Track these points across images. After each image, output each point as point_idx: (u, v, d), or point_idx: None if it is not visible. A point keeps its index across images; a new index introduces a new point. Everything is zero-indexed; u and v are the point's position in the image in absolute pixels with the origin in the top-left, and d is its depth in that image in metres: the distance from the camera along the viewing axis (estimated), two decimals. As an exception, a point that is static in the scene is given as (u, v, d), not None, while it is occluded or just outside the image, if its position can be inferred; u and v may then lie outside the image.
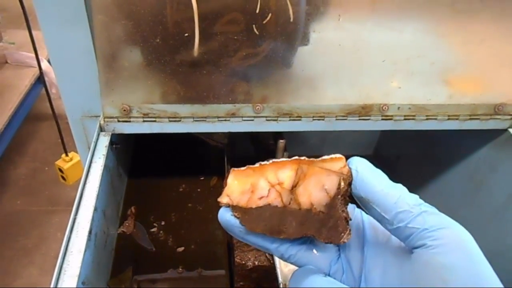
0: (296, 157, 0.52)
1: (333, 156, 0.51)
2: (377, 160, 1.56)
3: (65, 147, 2.48)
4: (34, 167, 2.88)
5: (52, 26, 0.79)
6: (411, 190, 1.33)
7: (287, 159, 0.52)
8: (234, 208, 0.51)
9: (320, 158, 0.51)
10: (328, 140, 1.54)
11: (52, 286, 0.60)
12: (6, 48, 3.00)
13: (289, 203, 0.50)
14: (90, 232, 0.72)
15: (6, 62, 2.98)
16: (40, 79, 2.71)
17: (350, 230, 0.48)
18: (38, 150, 3.01)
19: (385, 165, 1.51)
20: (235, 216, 0.51)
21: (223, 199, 0.52)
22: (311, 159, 0.52)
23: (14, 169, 2.86)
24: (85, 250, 0.68)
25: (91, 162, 0.78)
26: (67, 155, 2.52)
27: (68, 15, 0.77)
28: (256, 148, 1.43)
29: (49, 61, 2.98)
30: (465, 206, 1.08)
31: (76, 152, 2.47)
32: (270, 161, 0.52)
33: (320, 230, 0.50)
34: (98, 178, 0.75)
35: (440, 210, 1.12)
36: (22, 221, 2.55)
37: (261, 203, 0.50)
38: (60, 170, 2.55)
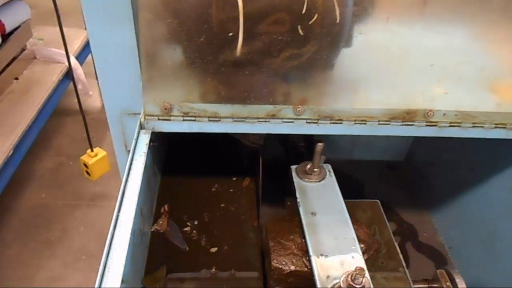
0: None
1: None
2: (410, 166, 1.53)
3: (91, 142, 2.50)
4: (59, 161, 2.92)
5: (98, 22, 0.79)
6: (445, 199, 1.30)
7: None
8: None
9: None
10: (358, 145, 1.52)
11: (96, 285, 0.60)
12: (35, 44, 3.05)
13: None
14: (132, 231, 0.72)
15: (35, 58, 3.03)
16: (68, 75, 2.75)
17: None
18: (63, 145, 3.05)
19: (417, 172, 1.48)
20: None
21: None
22: None
23: (39, 162, 2.90)
24: (128, 248, 0.68)
25: (132, 160, 0.78)
26: (92, 150, 2.53)
27: (114, 12, 0.77)
28: (286, 150, 1.42)
29: (76, 58, 3.03)
30: (504, 218, 1.04)
31: (102, 147, 2.49)
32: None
33: None
34: (140, 177, 0.75)
35: (476, 222, 1.09)
36: (46, 214, 2.58)
37: None
38: (85, 165, 2.57)
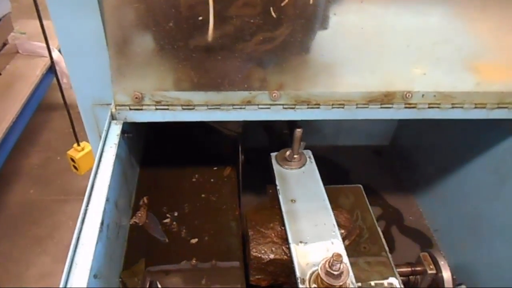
0: None
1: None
2: (395, 150, 1.52)
3: (77, 136, 2.47)
4: (46, 156, 2.89)
5: (62, 11, 0.76)
6: (430, 182, 1.30)
7: None
8: None
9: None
10: (343, 130, 1.50)
11: (63, 279, 0.58)
12: (17, 38, 2.99)
13: None
14: (102, 224, 0.70)
15: (17, 52, 2.98)
16: (52, 69, 2.70)
17: None
18: (50, 140, 3.01)
19: (403, 156, 1.47)
20: None
21: None
22: None
23: (26, 158, 2.86)
24: (97, 242, 0.66)
25: (102, 151, 0.76)
26: (78, 144, 2.51)
27: (78, -1, 0.74)
28: (270, 138, 1.40)
29: (60, 51, 2.97)
30: (488, 200, 1.04)
31: (88, 141, 2.46)
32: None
33: None
34: (110, 168, 0.73)
35: (461, 204, 1.07)
36: (34, 210, 2.55)
37: None
38: (72, 160, 2.54)
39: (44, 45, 2.28)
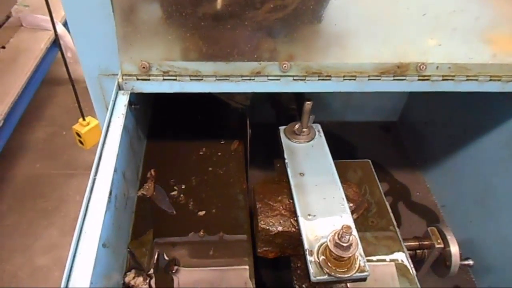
0: None
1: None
2: (404, 126, 1.50)
3: (82, 111, 2.47)
4: (52, 131, 2.89)
5: (66, -25, 0.74)
6: (440, 157, 1.28)
7: None
8: None
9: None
10: (351, 106, 1.48)
11: (72, 247, 0.58)
12: (20, 10, 2.95)
13: None
14: (110, 194, 0.69)
15: (21, 25, 2.94)
16: (56, 43, 2.67)
17: None
18: (55, 115, 3.01)
19: (411, 132, 1.45)
20: None
21: None
22: None
23: (32, 133, 2.87)
24: (106, 212, 0.66)
25: (110, 121, 0.75)
26: (84, 119, 2.50)
27: (83, -37, 0.72)
28: (277, 113, 1.38)
29: (64, 24, 2.93)
30: (498, 174, 1.03)
31: (94, 116, 2.46)
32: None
33: None
34: (118, 138, 0.72)
35: (469, 179, 1.06)
36: (41, 184, 2.58)
37: None
38: (78, 135, 2.54)
39: (48, 18, 2.25)
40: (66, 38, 2.87)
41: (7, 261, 2.21)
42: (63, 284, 0.54)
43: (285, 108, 1.37)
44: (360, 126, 1.49)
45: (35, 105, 2.91)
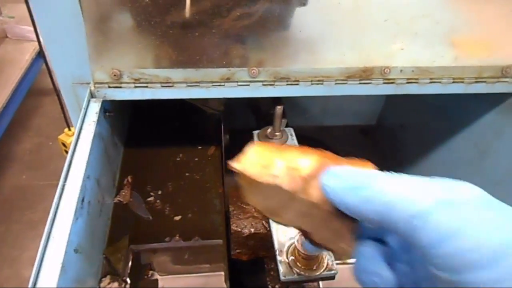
0: (324, 151, 0.48)
1: (362, 161, 0.46)
2: (381, 130, 1.52)
3: (68, 121, 2.47)
4: (38, 142, 2.89)
5: (37, -13, 0.75)
6: (415, 159, 1.31)
7: (313, 149, 0.48)
8: (242, 176, 0.48)
9: (348, 158, 0.47)
10: (329, 110, 1.51)
11: (39, 254, 0.59)
12: (5, 22, 2.96)
13: (299, 192, 0.47)
14: (82, 200, 0.71)
15: (6, 37, 2.95)
16: (41, 53, 2.68)
17: (352, 243, 0.44)
18: (42, 125, 3.01)
19: (389, 135, 1.48)
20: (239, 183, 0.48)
21: (235, 164, 0.48)
22: (338, 156, 0.47)
23: (18, 144, 2.87)
24: (77, 218, 0.67)
25: (81, 128, 0.76)
26: (70, 129, 2.51)
27: (53, -26, 0.74)
28: (257, 119, 1.40)
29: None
30: (469, 174, 1.05)
31: (79, 126, 2.46)
32: (296, 145, 0.48)
33: (317, 229, 0.47)
34: (89, 145, 0.73)
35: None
36: (28, 195, 2.57)
37: (271, 181, 0.47)
38: (64, 145, 2.55)
39: (33, 29, 2.26)
40: (52, 49, 2.88)
41: (-7, 273, 2.20)
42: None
43: (265, 114, 1.39)
44: (338, 129, 1.51)
45: (21, 115, 2.91)
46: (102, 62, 0.80)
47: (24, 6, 2.14)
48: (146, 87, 0.83)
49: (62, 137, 2.53)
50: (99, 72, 0.80)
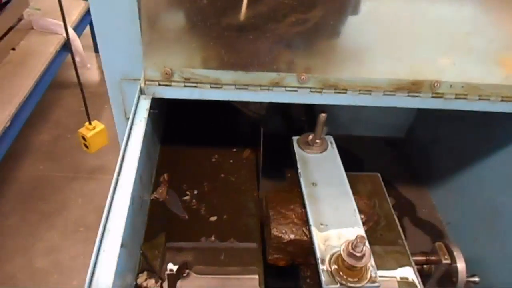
0: None
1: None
2: (411, 143, 1.52)
3: (89, 115, 2.48)
4: (57, 134, 2.91)
5: (97, -18, 0.76)
6: (446, 174, 1.30)
7: None
8: None
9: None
10: (358, 120, 1.51)
11: (96, 245, 0.59)
12: (32, 14, 2.99)
13: None
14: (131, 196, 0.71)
15: (32, 28, 2.98)
16: (66, 47, 2.70)
17: None
18: (61, 118, 3.03)
19: (418, 148, 1.47)
20: None
21: None
22: None
23: (37, 135, 2.89)
24: (128, 212, 0.67)
25: (132, 124, 0.76)
26: (90, 123, 2.52)
27: (114, -29, 0.75)
28: (287, 124, 1.40)
29: (74, 29, 2.97)
30: (505, 193, 1.04)
31: (99, 121, 2.47)
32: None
33: None
34: (140, 141, 0.74)
35: (476, 197, 1.08)
36: (44, 186, 2.58)
37: None
38: (83, 138, 2.55)
39: (59, 22, 2.28)
40: (76, 43, 2.91)
41: (6, 261, 2.20)
42: (86, 283, 0.55)
43: (295, 120, 1.39)
44: (367, 140, 1.51)
45: (41, 107, 2.93)
46: (155, 60, 0.80)
47: (51, -1, 2.16)
48: (196, 87, 0.83)
49: (82, 130, 2.53)
50: (151, 69, 0.81)
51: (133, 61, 0.84)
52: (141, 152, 0.74)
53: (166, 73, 0.81)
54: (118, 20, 0.80)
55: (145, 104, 0.81)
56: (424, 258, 0.97)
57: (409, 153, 1.49)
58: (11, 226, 2.36)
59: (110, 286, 0.55)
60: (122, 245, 0.68)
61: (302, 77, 0.83)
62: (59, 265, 2.21)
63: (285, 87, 0.84)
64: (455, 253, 0.94)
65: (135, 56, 0.82)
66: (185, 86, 0.83)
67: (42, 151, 2.80)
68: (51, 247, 2.30)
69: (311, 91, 0.85)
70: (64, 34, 2.30)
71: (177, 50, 0.80)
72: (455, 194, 1.22)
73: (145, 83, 0.82)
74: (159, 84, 0.82)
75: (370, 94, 0.85)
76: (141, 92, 0.83)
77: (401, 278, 0.87)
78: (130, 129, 0.75)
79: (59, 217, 2.45)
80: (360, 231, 0.80)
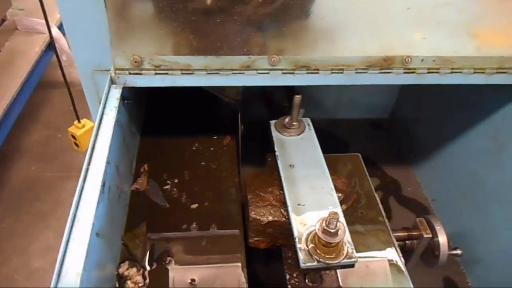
0: None
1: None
2: (395, 123, 1.52)
3: (78, 114, 2.47)
4: (47, 134, 2.90)
5: (60, -28, 0.75)
6: (430, 152, 1.30)
7: None
8: None
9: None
10: (343, 103, 1.50)
11: (65, 235, 0.59)
12: (16, 14, 2.96)
13: None
14: (103, 185, 0.71)
15: (16, 29, 2.95)
16: (51, 46, 2.68)
17: None
18: (51, 117, 3.02)
19: (403, 128, 1.47)
20: None
21: None
22: None
23: (27, 136, 2.88)
24: (99, 202, 0.67)
25: (102, 114, 0.76)
26: (79, 121, 2.51)
27: (76, -41, 0.74)
28: (270, 111, 1.40)
29: (59, 27, 2.95)
30: (486, 167, 1.05)
31: (89, 118, 2.46)
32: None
33: None
34: (110, 131, 0.74)
35: (459, 172, 1.09)
36: (37, 186, 2.58)
37: None
38: (73, 137, 2.55)
39: (43, 21, 2.26)
40: (61, 41, 2.88)
41: (3, 264, 2.21)
42: (55, 273, 0.55)
43: (278, 106, 1.38)
44: (351, 123, 1.51)
45: (30, 108, 2.92)
46: (123, 48, 0.80)
47: (34, -2, 2.15)
48: (167, 74, 0.83)
49: (71, 129, 2.53)
50: (119, 58, 0.80)
51: (103, 51, 0.83)
52: (112, 142, 0.74)
53: (136, 61, 0.81)
54: (84, 10, 0.79)
55: (115, 93, 0.80)
56: (406, 233, 0.98)
57: (394, 133, 1.49)
58: (5, 228, 2.37)
59: (80, 273, 0.55)
60: (97, 235, 0.68)
61: (273, 59, 0.83)
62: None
63: (257, 70, 0.84)
64: (436, 227, 0.95)
65: (105, 46, 0.82)
66: (156, 73, 0.82)
67: (33, 151, 2.80)
68: (47, 247, 2.30)
69: (283, 73, 0.84)
70: (48, 33, 2.29)
71: (145, 37, 0.80)
72: (439, 171, 1.23)
73: (115, 73, 0.82)
74: (130, 73, 0.82)
75: (342, 73, 0.84)
76: (112, 81, 0.83)
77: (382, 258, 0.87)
78: (101, 119, 0.75)
79: (53, 216, 2.45)
80: (337, 208, 0.80)
